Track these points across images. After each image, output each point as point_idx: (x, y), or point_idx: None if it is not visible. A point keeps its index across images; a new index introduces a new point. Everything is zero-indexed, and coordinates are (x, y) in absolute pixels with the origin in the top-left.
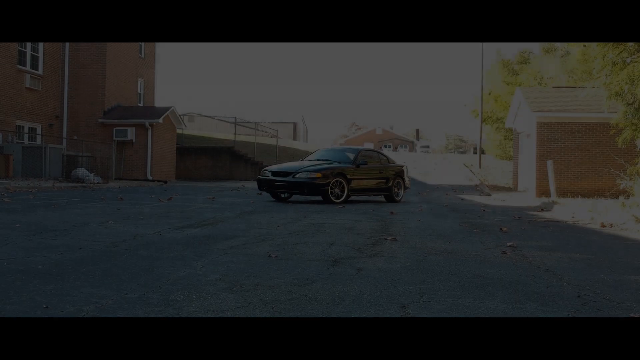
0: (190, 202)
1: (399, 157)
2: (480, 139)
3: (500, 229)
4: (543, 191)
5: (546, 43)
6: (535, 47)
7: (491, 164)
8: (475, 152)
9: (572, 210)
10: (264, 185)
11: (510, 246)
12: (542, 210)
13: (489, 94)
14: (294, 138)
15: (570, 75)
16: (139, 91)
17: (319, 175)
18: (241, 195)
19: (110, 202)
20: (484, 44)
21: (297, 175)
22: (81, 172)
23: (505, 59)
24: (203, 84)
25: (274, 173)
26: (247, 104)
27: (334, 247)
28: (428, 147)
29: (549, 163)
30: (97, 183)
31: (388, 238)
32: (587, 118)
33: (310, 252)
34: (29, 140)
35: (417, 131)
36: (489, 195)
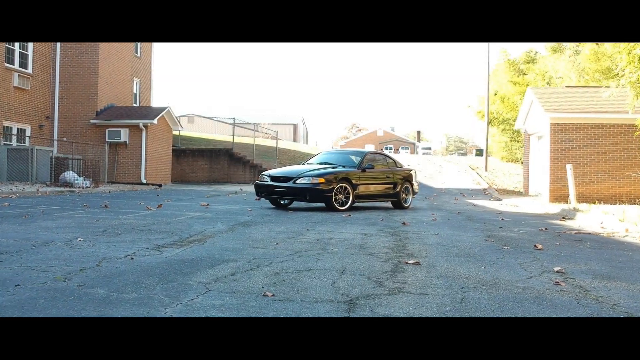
0: (181, 210)
1: (401, 159)
2: (487, 140)
3: (535, 246)
4: (557, 196)
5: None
6: (541, 46)
7: (497, 166)
8: (477, 154)
9: (598, 219)
10: (262, 191)
11: (558, 272)
12: (564, 218)
13: (495, 94)
14: (294, 140)
15: (581, 75)
16: (134, 91)
17: (322, 180)
18: (238, 201)
19: (92, 211)
20: (489, 43)
21: (298, 181)
22: (69, 175)
23: (510, 58)
24: (203, 85)
25: (273, 178)
26: (248, 106)
27: (346, 278)
28: (430, 148)
29: (569, 167)
30: (87, 187)
31: (409, 261)
32: (605, 119)
33: (316, 287)
34: (17, 142)
35: (419, 133)
36: (500, 200)
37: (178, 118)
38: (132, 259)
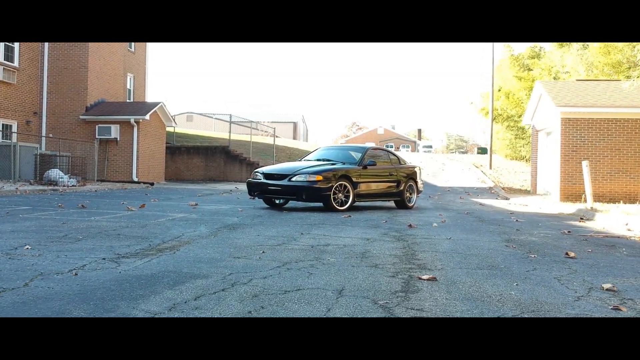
0: (165, 211)
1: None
2: (492, 138)
3: (566, 254)
4: (568, 195)
5: None
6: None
7: (501, 164)
8: (479, 152)
9: (621, 220)
10: (255, 189)
11: (609, 291)
12: (582, 219)
13: (499, 90)
14: (294, 138)
15: (590, 69)
16: (128, 87)
17: (320, 178)
18: (231, 201)
19: (65, 212)
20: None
21: (293, 178)
22: (54, 173)
23: (514, 54)
24: (202, 84)
25: (267, 175)
26: (248, 104)
27: (345, 302)
28: (431, 147)
29: (585, 164)
30: (72, 186)
31: (423, 277)
32: (619, 113)
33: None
34: (2, 139)
35: (419, 131)
36: (507, 199)
37: (173, 117)
38: (75, 274)
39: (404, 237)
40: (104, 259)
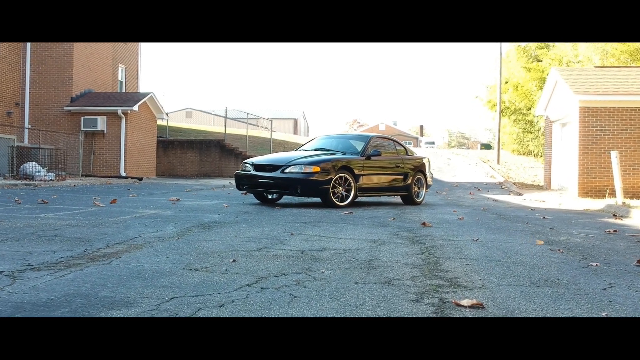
0: (137, 207)
1: None
2: (499, 130)
3: (639, 262)
4: (587, 190)
5: None
6: None
7: (509, 159)
8: (483, 148)
9: None
10: (243, 182)
11: None
12: (615, 216)
13: (506, 82)
14: (295, 134)
15: (605, 57)
16: (120, 79)
17: (317, 169)
18: (219, 196)
19: (16, 208)
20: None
21: (287, 170)
22: (30, 167)
23: (522, 45)
24: (202, 81)
25: (257, 167)
26: (248, 101)
27: None
28: (433, 143)
29: (614, 154)
30: (50, 180)
31: (462, 302)
32: None
33: None
34: None
35: (421, 127)
36: (520, 194)
37: (168, 114)
38: None
39: (419, 238)
40: (1, 272)
